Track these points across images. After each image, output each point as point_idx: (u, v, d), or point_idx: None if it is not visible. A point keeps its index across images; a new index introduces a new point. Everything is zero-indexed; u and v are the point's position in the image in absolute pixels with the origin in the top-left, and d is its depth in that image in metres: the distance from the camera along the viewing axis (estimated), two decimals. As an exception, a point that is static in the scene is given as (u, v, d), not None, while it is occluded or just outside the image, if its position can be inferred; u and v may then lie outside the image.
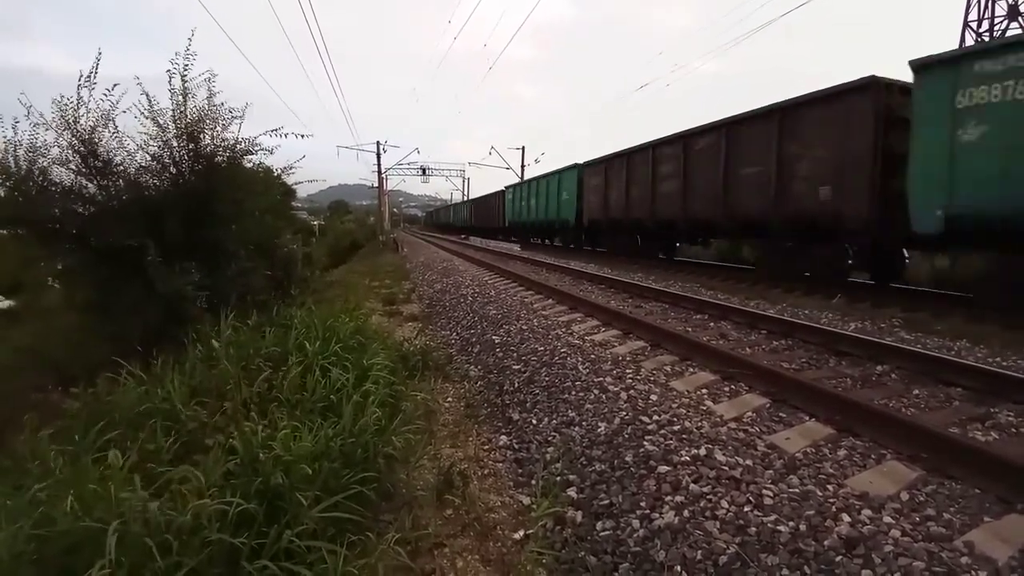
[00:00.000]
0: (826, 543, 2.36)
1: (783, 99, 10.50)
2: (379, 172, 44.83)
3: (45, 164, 5.50)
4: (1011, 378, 4.33)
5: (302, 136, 7.11)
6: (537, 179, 26.64)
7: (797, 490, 2.78)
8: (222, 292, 5.72)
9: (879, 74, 8.61)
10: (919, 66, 7.83)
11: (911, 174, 7.90)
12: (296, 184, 8.83)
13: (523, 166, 44.28)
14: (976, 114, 7.11)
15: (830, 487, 2.82)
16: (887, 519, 2.50)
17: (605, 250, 19.76)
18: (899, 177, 8.08)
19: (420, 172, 52.95)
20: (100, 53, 5.61)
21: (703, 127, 12.86)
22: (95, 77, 5.48)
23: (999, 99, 6.86)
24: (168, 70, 5.75)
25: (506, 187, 33.80)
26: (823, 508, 2.60)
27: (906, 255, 10.64)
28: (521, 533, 3.02)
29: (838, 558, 2.28)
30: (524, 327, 6.93)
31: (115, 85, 5.57)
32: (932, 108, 7.61)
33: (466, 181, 61.60)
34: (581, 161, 19.90)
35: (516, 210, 29.94)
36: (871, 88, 8.66)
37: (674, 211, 13.92)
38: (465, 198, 57.71)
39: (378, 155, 43.28)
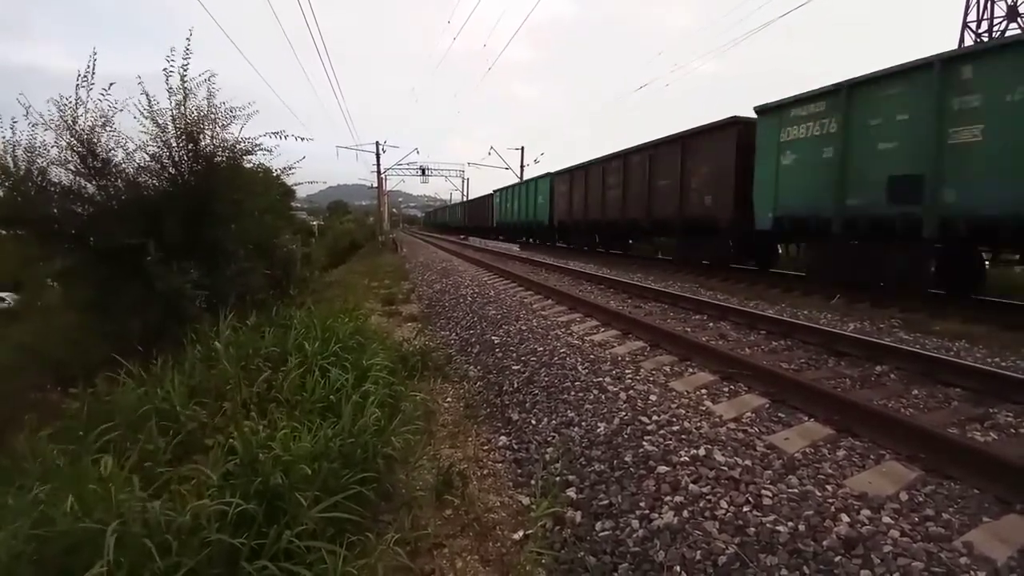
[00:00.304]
0: (825, 543, 2.36)
1: (688, 128, 13.69)
2: (378, 172, 44.84)
3: (44, 164, 5.50)
4: (1010, 378, 4.33)
5: (302, 139, 7.12)
6: (518, 185, 31.10)
7: (796, 490, 2.78)
8: (221, 292, 5.72)
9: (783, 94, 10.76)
10: (759, 110, 11.14)
11: (755, 187, 11.19)
12: (295, 184, 8.85)
13: (522, 166, 44.29)
14: (790, 146, 10.37)
15: (829, 487, 2.82)
16: (886, 519, 2.51)
17: (572, 246, 23.55)
18: (751, 189, 11.31)
19: (419, 172, 52.94)
20: (95, 53, 5.59)
21: (637, 147, 16.20)
22: (92, 77, 5.48)
23: (803, 136, 10.10)
24: (164, 69, 5.74)
25: (494, 191, 36.57)
26: (822, 508, 2.60)
27: (779, 248, 14.04)
28: (520, 533, 3.02)
29: (837, 558, 2.28)
30: (523, 327, 6.94)
31: (112, 84, 5.57)
32: (766, 140, 10.90)
33: (465, 181, 61.65)
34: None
35: (502, 212, 33.42)
36: (735, 125, 11.99)
37: (616, 214, 17.53)
38: (464, 198, 57.76)
39: (377, 155, 43.32)
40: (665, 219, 14.71)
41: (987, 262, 9.30)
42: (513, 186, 32.16)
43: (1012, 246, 8.51)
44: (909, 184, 8.17)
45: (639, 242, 20.62)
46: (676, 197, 13.87)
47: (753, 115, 11.35)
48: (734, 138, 11.88)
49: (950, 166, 7.68)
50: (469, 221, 46.57)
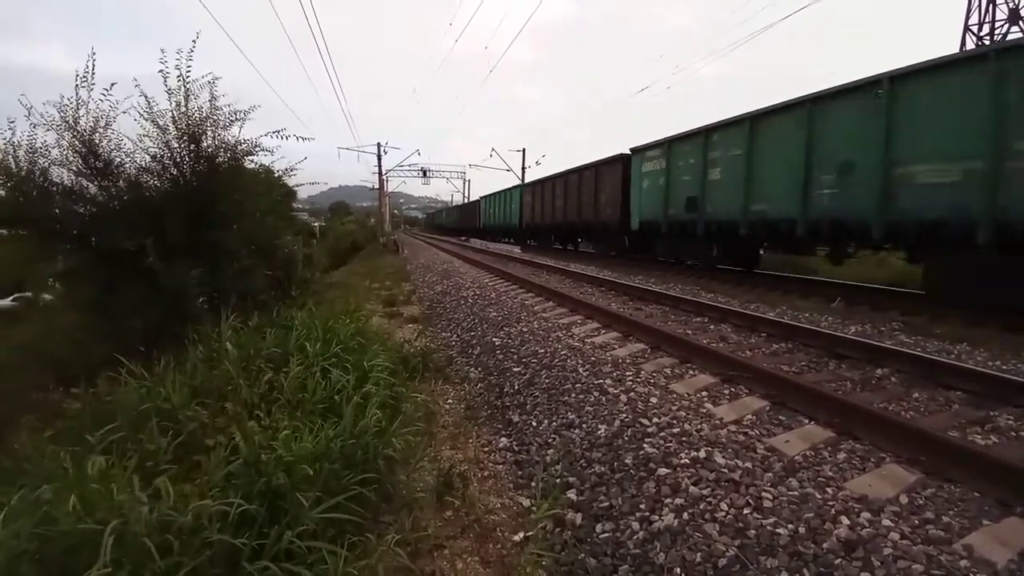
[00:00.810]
0: (825, 546, 2.36)
1: (602, 157, 19.07)
2: (380, 173, 44.87)
3: (45, 164, 5.51)
4: (1011, 382, 4.33)
5: (303, 139, 7.12)
6: (498, 193, 36.70)
7: (796, 493, 2.78)
8: (223, 292, 5.73)
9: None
10: (632, 151, 16.45)
11: (631, 202, 16.45)
12: (297, 186, 8.85)
13: (523, 168, 44.26)
14: (647, 176, 15.44)
15: (829, 490, 2.82)
16: (886, 522, 2.51)
17: (537, 243, 28.89)
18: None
19: (421, 174, 52.93)
20: (94, 52, 5.59)
21: (574, 168, 21.64)
22: (92, 77, 5.49)
23: (651, 170, 15.22)
24: (161, 70, 5.75)
25: (480, 197, 42.95)
26: (822, 511, 2.60)
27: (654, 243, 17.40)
28: (521, 535, 3.02)
29: (837, 561, 2.28)
30: (524, 329, 6.94)
31: (113, 84, 5.57)
32: (635, 171, 16.14)
33: (467, 183, 61.73)
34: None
35: (486, 216, 39.74)
36: (620, 160, 17.51)
37: (562, 219, 22.92)
38: (465, 200, 57.85)
39: (379, 156, 43.34)
40: (588, 223, 20.36)
41: (762, 251, 13.98)
42: (495, 194, 37.87)
43: (743, 238, 12.04)
44: (693, 202, 13.23)
45: (584, 239, 24.48)
46: (592, 208, 19.60)
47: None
48: (620, 169, 17.48)
49: (708, 192, 12.78)
50: (461, 223, 52.60)
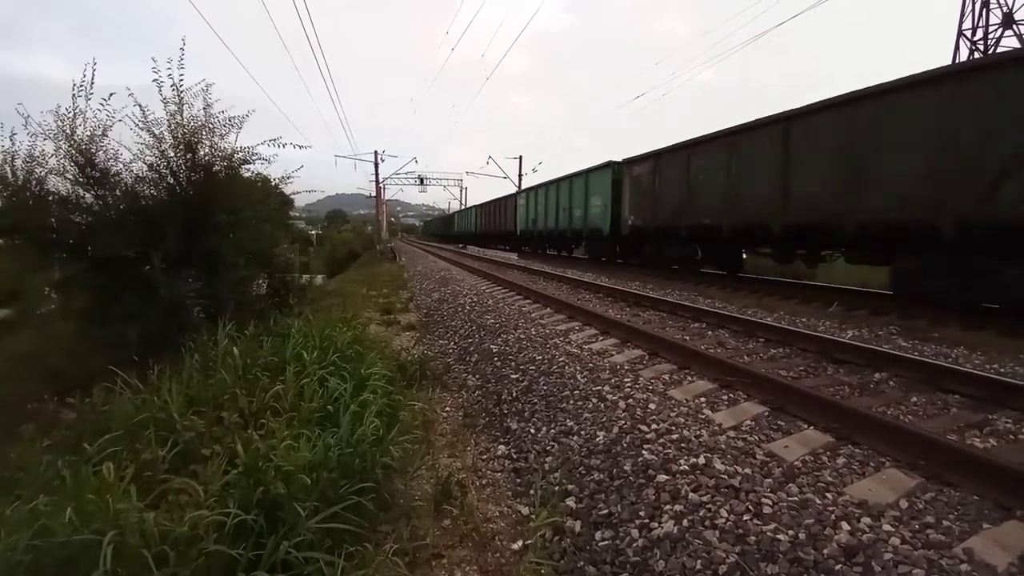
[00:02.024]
0: (826, 551, 2.35)
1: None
2: (376, 181, 44.96)
3: (42, 174, 5.52)
4: (1009, 385, 4.33)
5: (300, 147, 7.13)
6: (490, 202, 39.20)
7: (796, 498, 2.77)
8: (220, 301, 5.72)
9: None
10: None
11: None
12: (294, 194, 8.85)
13: (520, 176, 44.37)
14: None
15: (829, 495, 2.81)
16: (886, 527, 2.50)
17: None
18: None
19: (418, 181, 53.00)
20: (95, 63, 5.61)
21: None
22: (91, 88, 5.50)
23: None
24: (155, 80, 5.76)
25: (471, 206, 48.50)
26: (822, 516, 2.59)
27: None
28: (519, 543, 3.01)
29: (838, 567, 2.27)
30: (522, 336, 6.93)
31: (111, 95, 5.59)
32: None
33: (464, 190, 61.77)
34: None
35: (477, 224, 43.21)
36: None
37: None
38: (462, 207, 57.93)
39: (376, 164, 43.47)
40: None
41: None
42: (488, 204, 39.90)
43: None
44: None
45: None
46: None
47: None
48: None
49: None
50: (447, 231, 59.21)
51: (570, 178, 21.58)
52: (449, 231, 59.83)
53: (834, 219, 9.28)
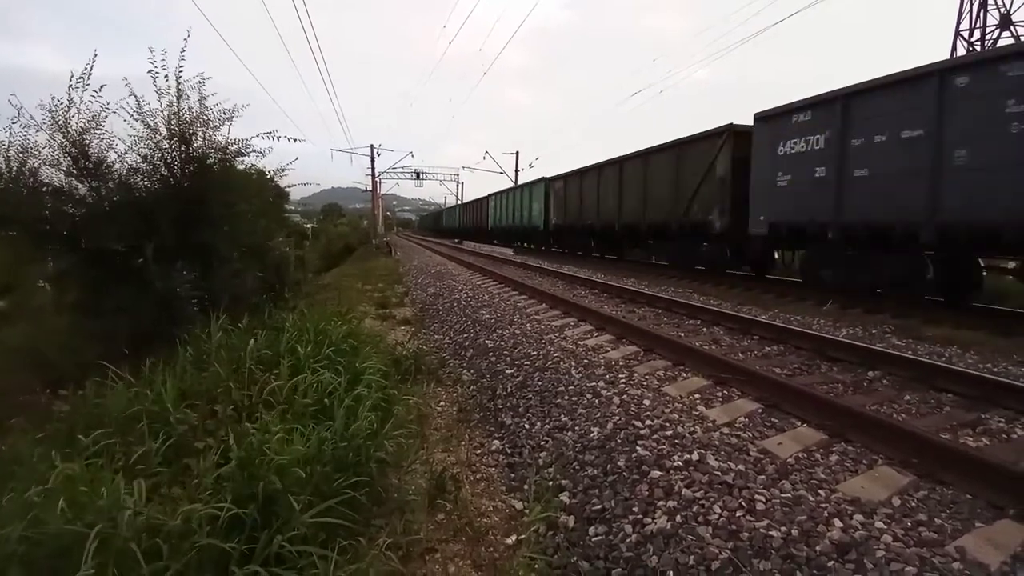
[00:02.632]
0: (818, 548, 2.36)
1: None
2: (373, 175, 44.83)
3: (36, 165, 5.48)
4: (1001, 384, 4.35)
5: (295, 140, 7.10)
6: (472, 202, 45.28)
7: (789, 495, 2.78)
8: (214, 294, 5.69)
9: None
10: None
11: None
12: (289, 187, 8.82)
13: (517, 171, 44.38)
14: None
15: (822, 492, 2.82)
16: (879, 524, 2.51)
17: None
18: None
19: (414, 176, 52.86)
20: (95, 55, 5.57)
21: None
22: (88, 78, 5.46)
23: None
24: (150, 71, 5.72)
25: (457, 204, 56.55)
26: (815, 513, 2.60)
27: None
28: (513, 538, 3.01)
29: (830, 563, 2.27)
30: (517, 331, 6.93)
31: (103, 86, 5.55)
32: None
33: (460, 185, 61.67)
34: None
35: (460, 220, 49.33)
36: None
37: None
38: (459, 202, 57.89)
39: (372, 158, 43.35)
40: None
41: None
42: (468, 203, 47.80)
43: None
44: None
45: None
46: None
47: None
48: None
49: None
50: (436, 225, 68.17)
51: (521, 187, 29.27)
52: (439, 226, 68.07)
53: (638, 222, 16.08)
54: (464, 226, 46.34)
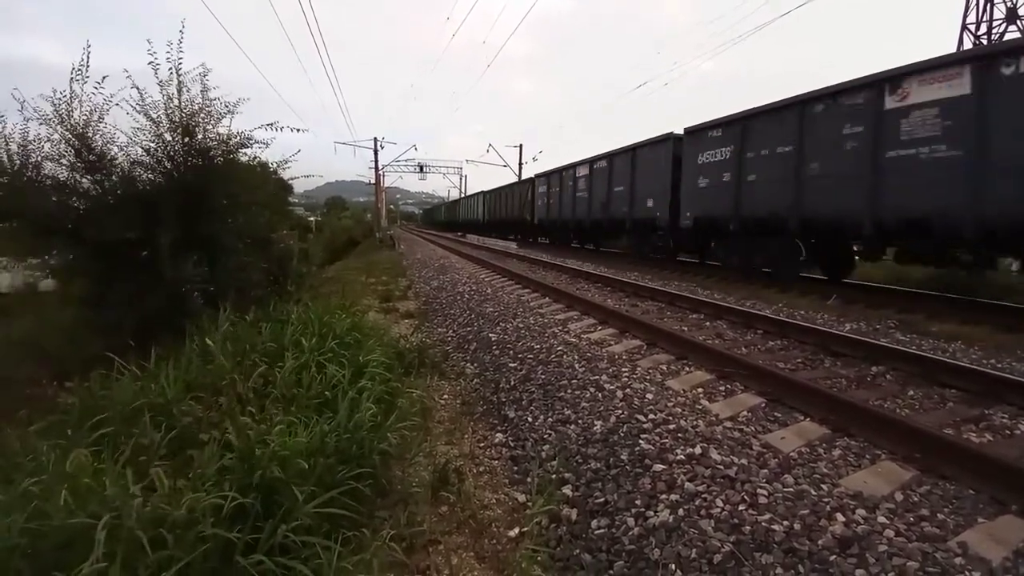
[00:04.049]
0: (820, 542, 2.37)
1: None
2: (376, 168, 44.78)
3: (38, 158, 5.48)
4: (1006, 380, 4.34)
5: (298, 130, 7.09)
6: (467, 197, 50.32)
7: (792, 489, 2.78)
8: (219, 286, 5.71)
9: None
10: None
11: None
12: (292, 179, 8.80)
13: (520, 164, 44.29)
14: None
15: (824, 487, 2.83)
16: (881, 519, 2.51)
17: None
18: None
19: (417, 169, 52.76)
20: (89, 46, 5.55)
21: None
22: (87, 70, 5.45)
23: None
24: (151, 62, 5.71)
25: (447, 201, 65.08)
26: (817, 508, 2.60)
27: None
28: (516, 530, 3.02)
29: (832, 557, 2.28)
30: (521, 325, 6.93)
31: (104, 78, 5.54)
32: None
33: (463, 178, 61.56)
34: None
35: (460, 214, 51.25)
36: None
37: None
38: (462, 195, 57.85)
39: (375, 151, 43.26)
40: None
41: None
42: (463, 198, 52.66)
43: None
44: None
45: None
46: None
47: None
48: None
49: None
50: (440, 219, 69.91)
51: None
52: (435, 219, 77.04)
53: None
54: (449, 220, 57.02)
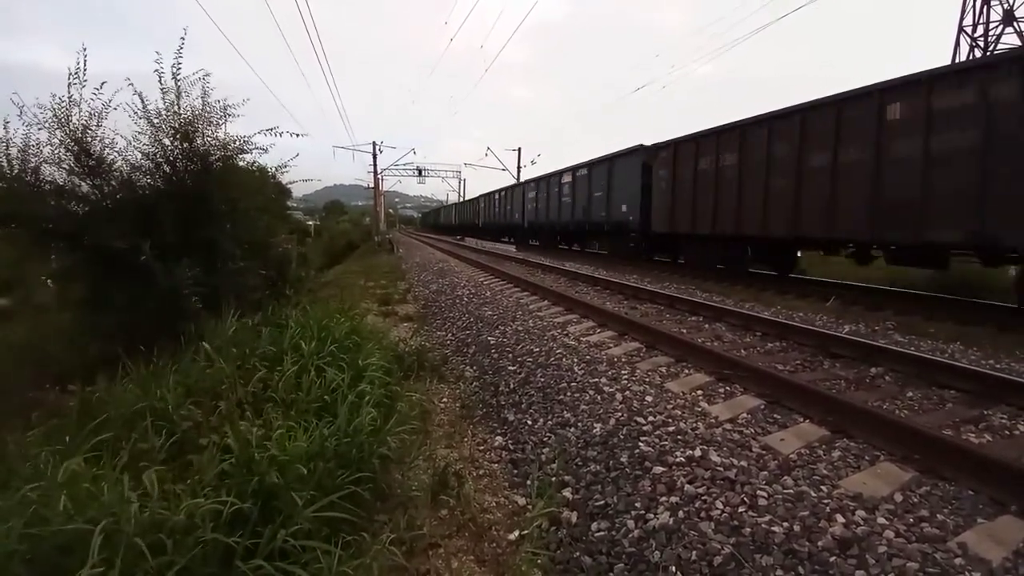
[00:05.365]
0: (820, 544, 2.37)
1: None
2: (375, 172, 44.77)
3: (37, 163, 5.49)
4: (1005, 380, 4.35)
5: (297, 135, 7.09)
6: (464, 202, 52.86)
7: (791, 491, 2.78)
8: (217, 291, 5.70)
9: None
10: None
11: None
12: (291, 183, 8.80)
13: (519, 167, 44.30)
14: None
15: (824, 488, 2.83)
16: (881, 520, 2.51)
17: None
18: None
19: (416, 173, 52.71)
20: (85, 50, 5.55)
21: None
22: (85, 75, 5.46)
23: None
24: (156, 70, 5.72)
25: (444, 205, 69.12)
26: (817, 509, 2.61)
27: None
28: (516, 534, 3.02)
29: (832, 559, 2.28)
30: (520, 328, 6.94)
31: (103, 83, 5.55)
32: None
33: (462, 182, 61.59)
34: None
35: (453, 217, 56.48)
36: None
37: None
38: (461, 199, 57.92)
39: (374, 155, 43.25)
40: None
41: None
42: (460, 203, 55.39)
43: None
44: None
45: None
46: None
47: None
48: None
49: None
50: (436, 222, 73.75)
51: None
52: (434, 223, 79.56)
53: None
54: (437, 223, 65.84)
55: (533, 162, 46.05)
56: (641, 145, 15.83)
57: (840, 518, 2.52)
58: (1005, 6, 28.65)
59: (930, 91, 7.80)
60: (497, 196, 35.10)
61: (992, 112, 7.11)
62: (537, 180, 25.82)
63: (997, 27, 28.91)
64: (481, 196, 41.09)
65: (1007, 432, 3.72)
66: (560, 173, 22.29)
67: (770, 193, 10.80)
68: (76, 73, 5.44)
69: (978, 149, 7.23)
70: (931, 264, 8.73)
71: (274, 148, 6.81)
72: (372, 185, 46.51)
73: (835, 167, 9.28)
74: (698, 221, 13.12)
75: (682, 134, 13.97)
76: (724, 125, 12.25)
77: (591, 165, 19.06)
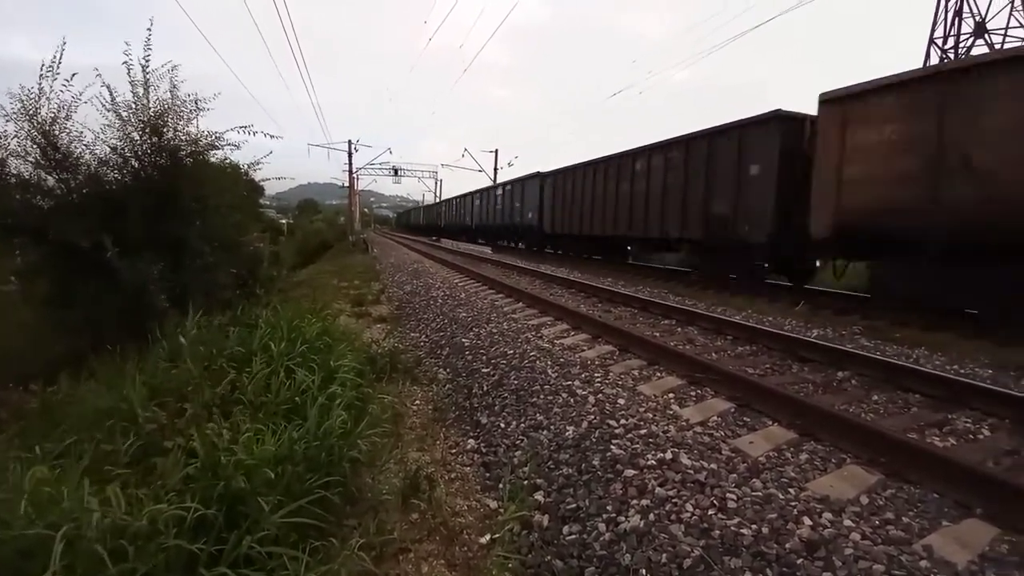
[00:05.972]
0: (788, 546, 2.39)
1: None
2: (350, 171, 44.42)
3: (3, 155, 5.35)
4: (968, 385, 4.44)
5: (272, 137, 7.00)
6: (431, 205, 57.29)
7: (760, 493, 2.81)
8: (185, 289, 5.61)
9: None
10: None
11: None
12: (264, 181, 8.68)
13: (496, 169, 44.33)
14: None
15: (792, 490, 2.86)
16: (847, 522, 2.54)
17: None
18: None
19: (392, 172, 52.42)
20: (64, 43, 5.44)
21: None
22: (58, 67, 5.34)
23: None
24: (124, 62, 5.61)
25: (422, 206, 68.30)
26: (785, 511, 2.63)
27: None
28: (487, 537, 3.00)
29: (800, 560, 2.30)
30: (494, 330, 6.92)
31: (74, 75, 5.43)
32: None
33: (439, 183, 61.45)
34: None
35: (424, 219, 60.19)
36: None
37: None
38: (437, 199, 57.75)
39: (349, 154, 42.93)
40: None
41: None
42: (427, 206, 60.31)
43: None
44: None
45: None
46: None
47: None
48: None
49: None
50: (407, 222, 79.70)
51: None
52: (405, 223, 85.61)
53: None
54: (410, 224, 72.84)
55: (510, 164, 46.08)
56: (539, 172, 22.69)
57: (807, 520, 2.55)
58: (977, 18, 29.29)
59: (650, 154, 14.36)
60: (455, 202, 41.17)
61: (667, 168, 13.58)
62: (480, 192, 33.09)
63: (968, 39, 29.52)
64: (443, 201, 48.74)
65: (971, 436, 3.80)
66: (495, 187, 29.91)
67: (595, 207, 17.28)
68: (50, 66, 5.31)
69: (660, 189, 13.81)
70: (662, 251, 15.61)
71: (247, 144, 6.72)
72: (347, 184, 46.14)
73: (618, 193, 15.84)
74: (570, 225, 19.34)
75: (568, 163, 20.03)
76: (577, 164, 18.89)
77: (514, 182, 26.06)
